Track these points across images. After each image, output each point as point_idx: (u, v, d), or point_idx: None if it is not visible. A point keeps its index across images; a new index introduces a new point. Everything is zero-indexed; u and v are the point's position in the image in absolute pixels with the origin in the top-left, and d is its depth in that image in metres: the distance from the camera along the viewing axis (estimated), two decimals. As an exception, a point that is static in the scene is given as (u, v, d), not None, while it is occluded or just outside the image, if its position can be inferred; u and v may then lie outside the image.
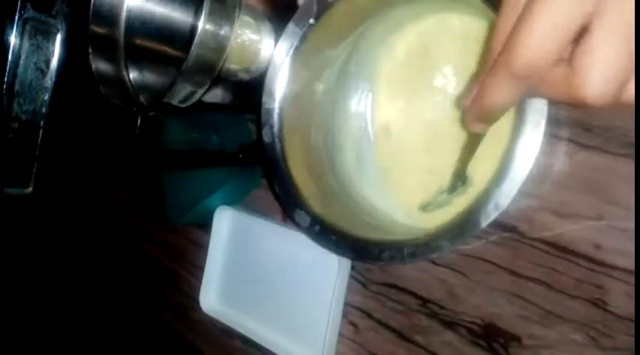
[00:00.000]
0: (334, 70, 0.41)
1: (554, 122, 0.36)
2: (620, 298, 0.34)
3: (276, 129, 0.38)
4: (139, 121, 0.39)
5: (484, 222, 0.28)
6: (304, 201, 0.37)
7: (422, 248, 0.31)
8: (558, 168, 0.36)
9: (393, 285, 0.44)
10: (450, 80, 0.39)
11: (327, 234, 0.35)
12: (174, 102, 0.37)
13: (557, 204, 0.36)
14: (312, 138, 0.41)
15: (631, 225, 0.33)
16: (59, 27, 0.45)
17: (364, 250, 0.34)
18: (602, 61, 0.20)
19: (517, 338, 0.38)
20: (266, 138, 0.38)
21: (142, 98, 0.40)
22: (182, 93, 0.36)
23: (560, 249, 0.36)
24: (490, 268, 0.39)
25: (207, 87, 0.37)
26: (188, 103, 0.38)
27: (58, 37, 0.45)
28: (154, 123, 0.39)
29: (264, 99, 0.38)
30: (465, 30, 0.37)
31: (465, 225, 0.29)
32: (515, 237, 0.38)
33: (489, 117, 0.26)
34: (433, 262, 0.42)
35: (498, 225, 0.38)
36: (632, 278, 0.33)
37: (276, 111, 0.38)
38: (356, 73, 0.42)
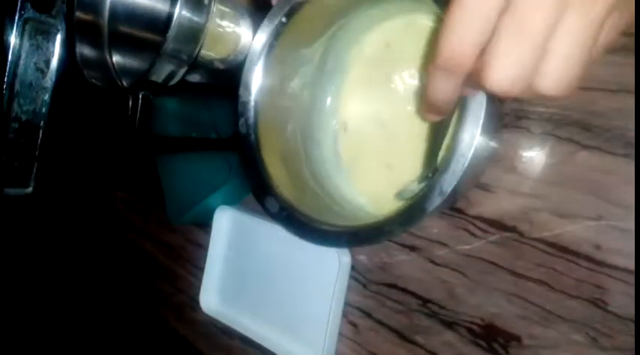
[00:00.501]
0: (310, 67, 0.42)
1: (550, 121, 0.36)
2: (620, 298, 0.34)
3: (251, 121, 0.40)
4: (130, 103, 0.40)
5: (430, 208, 0.30)
6: (275, 189, 0.39)
7: (375, 231, 0.33)
8: (558, 168, 0.36)
9: (393, 285, 0.44)
10: (410, 80, 0.41)
11: (292, 219, 0.37)
12: (159, 80, 0.39)
13: (557, 204, 0.36)
14: (288, 131, 0.43)
15: (631, 225, 0.33)
16: (59, 27, 0.45)
17: (325, 235, 0.36)
18: (504, 56, 0.21)
19: (517, 338, 0.38)
20: (242, 130, 0.40)
21: (124, 81, 0.41)
22: (163, 73, 0.38)
23: (560, 249, 0.36)
24: (490, 268, 0.39)
25: (186, 69, 0.39)
26: (172, 82, 0.40)
27: (58, 37, 0.45)
28: (145, 103, 0.40)
29: (241, 92, 0.40)
30: (433, 31, 0.38)
31: (413, 210, 0.31)
32: (515, 237, 0.38)
33: (435, 108, 0.28)
34: (433, 262, 0.42)
35: (498, 225, 0.39)
36: (632, 278, 0.33)
37: (252, 104, 0.40)
38: (330, 72, 0.44)
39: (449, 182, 0.29)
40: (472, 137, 0.29)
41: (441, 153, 0.35)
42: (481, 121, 0.29)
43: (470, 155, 0.29)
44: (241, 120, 0.40)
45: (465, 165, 0.29)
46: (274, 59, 0.39)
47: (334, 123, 0.45)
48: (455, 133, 0.30)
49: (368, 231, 0.34)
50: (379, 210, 0.41)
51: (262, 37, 0.39)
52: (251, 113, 0.40)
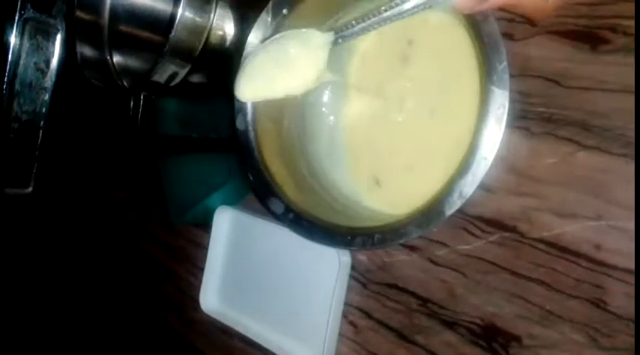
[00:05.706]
0: None
1: (550, 121, 0.36)
2: (620, 298, 0.34)
3: (249, 117, 0.38)
4: (131, 103, 0.40)
5: (448, 211, 0.30)
6: (278, 188, 0.37)
7: (391, 234, 0.33)
8: (558, 168, 0.36)
9: (393, 285, 0.44)
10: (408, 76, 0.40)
11: (300, 220, 0.36)
12: (161, 81, 0.39)
13: (557, 204, 0.36)
14: (284, 127, 0.42)
15: (631, 225, 0.33)
16: (59, 27, 0.45)
17: (337, 236, 0.35)
18: None
19: (517, 338, 0.38)
20: (239, 126, 0.39)
21: (124, 81, 0.41)
22: (166, 73, 0.38)
23: (560, 249, 0.36)
24: (490, 268, 0.39)
25: (188, 69, 0.39)
26: (174, 83, 0.39)
27: (58, 37, 0.45)
28: (147, 104, 0.40)
29: None
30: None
31: (431, 212, 0.31)
32: (515, 237, 0.38)
33: None
34: (433, 262, 0.42)
35: (498, 225, 0.38)
36: (632, 278, 0.33)
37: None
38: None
39: (470, 184, 0.29)
40: (495, 141, 0.29)
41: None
42: (504, 125, 0.29)
43: (492, 158, 0.29)
44: (239, 117, 0.39)
45: (487, 167, 0.29)
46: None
47: (331, 119, 0.44)
48: (474, 136, 0.30)
49: (383, 232, 0.33)
50: (380, 205, 0.40)
51: (261, 29, 0.38)
52: (249, 109, 0.39)
